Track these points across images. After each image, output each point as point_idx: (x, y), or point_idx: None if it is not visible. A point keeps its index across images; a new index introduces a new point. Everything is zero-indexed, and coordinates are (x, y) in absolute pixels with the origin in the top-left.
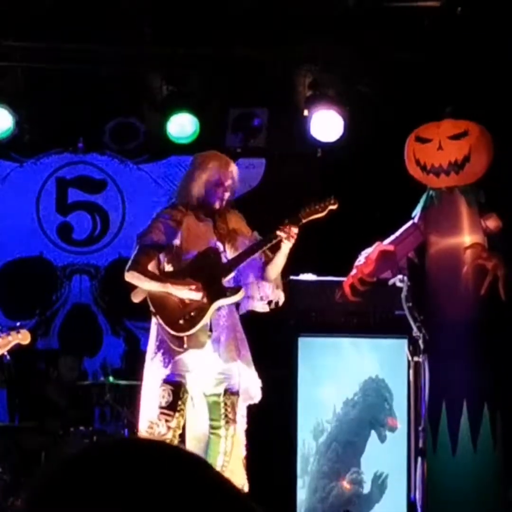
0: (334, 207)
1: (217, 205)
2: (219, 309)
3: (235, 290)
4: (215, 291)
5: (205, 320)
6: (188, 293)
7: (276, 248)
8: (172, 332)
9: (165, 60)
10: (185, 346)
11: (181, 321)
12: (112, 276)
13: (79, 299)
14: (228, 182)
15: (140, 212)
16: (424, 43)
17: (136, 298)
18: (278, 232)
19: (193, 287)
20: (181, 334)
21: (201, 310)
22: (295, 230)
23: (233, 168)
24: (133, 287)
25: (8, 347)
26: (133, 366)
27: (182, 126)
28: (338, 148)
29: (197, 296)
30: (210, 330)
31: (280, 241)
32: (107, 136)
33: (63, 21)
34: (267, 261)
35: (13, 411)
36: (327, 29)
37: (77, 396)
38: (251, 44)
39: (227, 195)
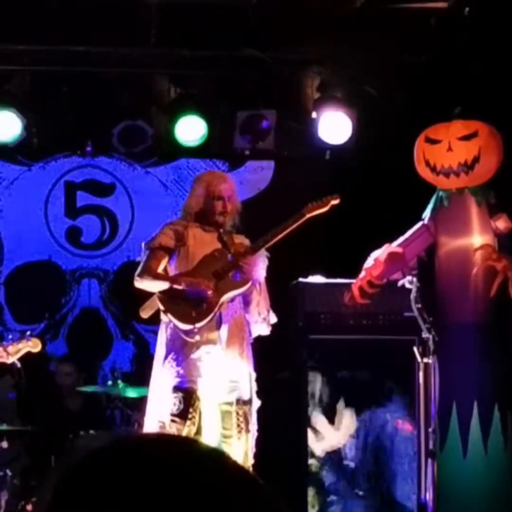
0: (336, 201)
1: (217, 219)
2: (228, 304)
3: (242, 282)
4: (223, 285)
5: (216, 312)
6: (199, 286)
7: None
8: (184, 326)
9: (172, 63)
10: (197, 337)
11: (193, 313)
12: (121, 280)
13: (88, 303)
14: (226, 194)
15: (149, 215)
16: (432, 44)
17: (145, 314)
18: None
19: (204, 281)
20: (193, 326)
21: (212, 303)
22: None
23: (229, 182)
24: (143, 293)
25: (19, 355)
26: (142, 370)
27: (190, 128)
28: (347, 150)
29: (207, 289)
30: (220, 325)
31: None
32: (115, 139)
33: (70, 24)
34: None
35: (22, 415)
36: (334, 31)
37: (87, 399)
38: (259, 46)
39: (228, 208)
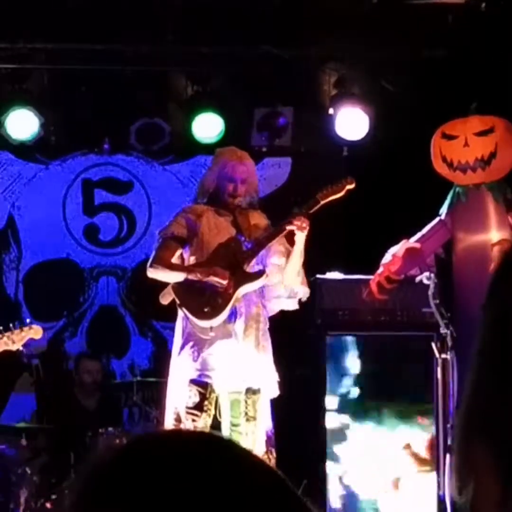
0: (351, 186)
1: (228, 200)
2: (243, 296)
3: (258, 274)
4: (238, 277)
5: (230, 306)
6: (214, 279)
7: (291, 242)
8: (199, 321)
9: (190, 60)
10: (212, 333)
11: (206, 309)
12: (139, 277)
13: (107, 301)
14: (240, 177)
15: (167, 213)
16: (449, 39)
17: (165, 300)
18: (288, 224)
19: (219, 272)
20: (207, 322)
21: (227, 297)
22: (306, 221)
23: (248, 164)
24: (161, 288)
25: (22, 342)
26: (161, 367)
27: (207, 126)
28: (364, 146)
29: (223, 281)
30: (235, 319)
31: (293, 233)
32: (132, 136)
33: (87, 22)
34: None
35: (42, 413)
36: (351, 27)
37: (106, 397)
38: (276, 43)
39: (240, 191)
